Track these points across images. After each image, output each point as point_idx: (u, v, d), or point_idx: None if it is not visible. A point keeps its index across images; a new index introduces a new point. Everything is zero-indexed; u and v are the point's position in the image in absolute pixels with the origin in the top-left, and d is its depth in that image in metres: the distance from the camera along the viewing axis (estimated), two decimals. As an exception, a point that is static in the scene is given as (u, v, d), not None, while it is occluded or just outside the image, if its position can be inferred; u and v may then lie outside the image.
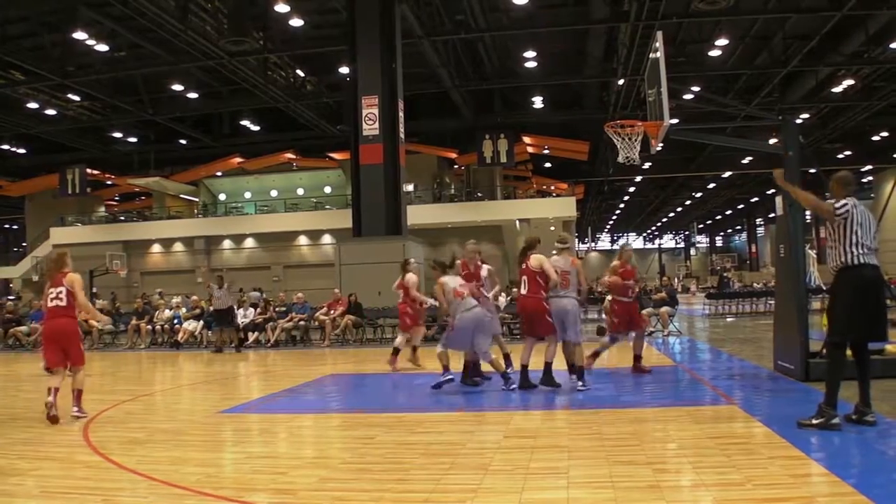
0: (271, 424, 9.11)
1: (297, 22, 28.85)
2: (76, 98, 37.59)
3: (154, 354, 20.89)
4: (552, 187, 51.56)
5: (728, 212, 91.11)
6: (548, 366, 10.59)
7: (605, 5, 28.02)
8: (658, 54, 11.08)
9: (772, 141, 24.09)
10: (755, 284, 33.22)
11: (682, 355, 16.02)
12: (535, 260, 10.62)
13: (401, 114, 26.09)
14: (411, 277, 14.58)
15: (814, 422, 7.11)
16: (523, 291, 10.77)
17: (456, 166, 49.55)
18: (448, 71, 33.45)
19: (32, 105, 37.86)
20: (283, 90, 35.45)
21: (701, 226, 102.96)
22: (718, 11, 26.17)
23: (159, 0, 25.92)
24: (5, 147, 46.85)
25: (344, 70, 31.19)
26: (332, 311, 22.06)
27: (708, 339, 19.59)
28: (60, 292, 9.41)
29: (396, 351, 14.30)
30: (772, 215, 67.43)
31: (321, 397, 11.42)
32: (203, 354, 17.28)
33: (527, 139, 42.97)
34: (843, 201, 7.29)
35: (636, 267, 13.33)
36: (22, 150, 47.89)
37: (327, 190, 50.48)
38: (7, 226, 70.76)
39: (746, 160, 52.57)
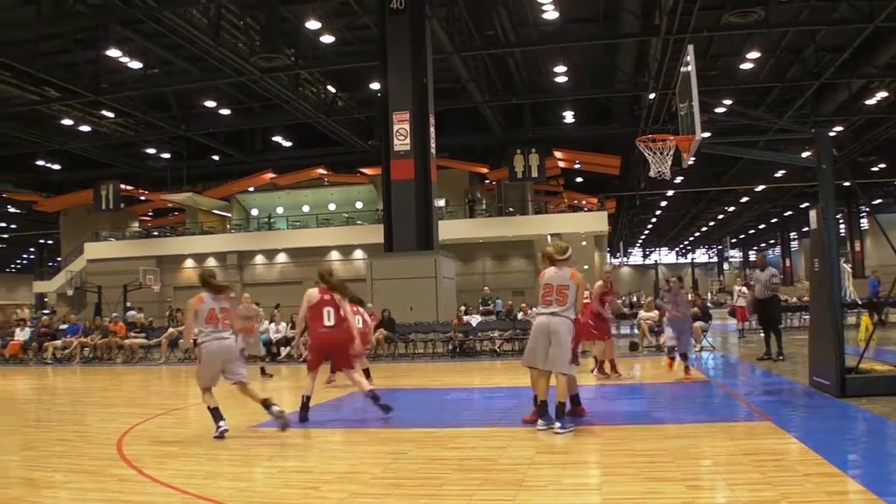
0: (303, 439, 9.12)
1: (328, 38, 29.01)
2: (110, 114, 37.93)
3: (188, 369, 20.98)
4: (583, 202, 51.42)
5: (761, 226, 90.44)
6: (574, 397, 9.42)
7: (636, 19, 27.94)
8: (689, 68, 11.03)
9: (805, 154, 23.95)
10: (790, 299, 32.80)
11: (715, 371, 15.91)
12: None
13: (432, 129, 26.12)
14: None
15: None
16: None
17: (487, 181, 49.51)
18: (478, 86, 33.50)
19: (67, 121, 38.27)
20: (314, 106, 35.61)
21: (734, 240, 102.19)
22: (749, 24, 25.98)
23: (191, 17, 26.18)
24: (40, 163, 47.40)
25: (375, 86, 31.31)
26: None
27: (742, 354, 19.42)
28: None
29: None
30: (806, 229, 66.87)
31: (353, 412, 11.42)
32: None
33: (558, 154, 42.87)
34: None
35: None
36: (56, 166, 48.41)
37: (359, 205, 50.57)
38: (42, 241, 71.45)
39: (779, 173, 52.22)
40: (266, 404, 9.17)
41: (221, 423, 8.90)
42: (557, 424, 8.37)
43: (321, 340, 10.00)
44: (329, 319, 9.98)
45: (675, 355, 13.80)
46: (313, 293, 10.02)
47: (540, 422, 8.52)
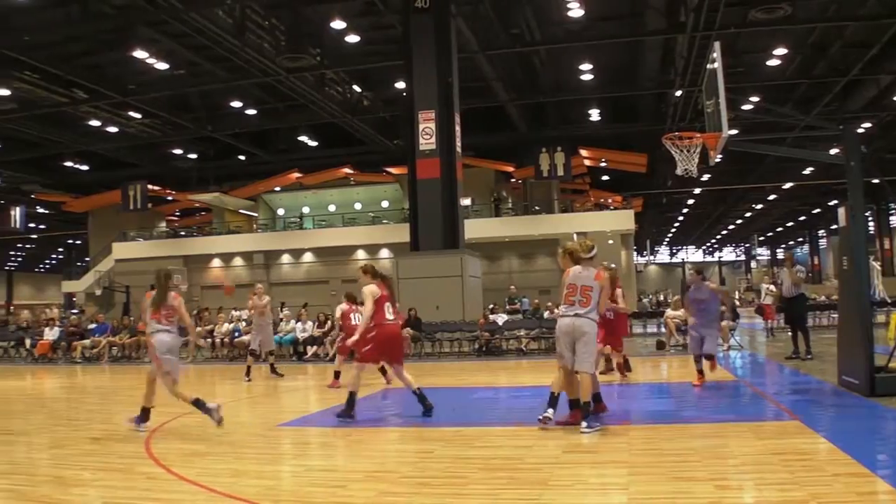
0: (330, 438, 9.15)
1: (353, 38, 29.02)
2: (137, 115, 38.16)
3: (214, 368, 21.09)
4: (610, 200, 51.21)
5: (789, 223, 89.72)
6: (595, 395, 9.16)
7: (662, 17, 27.79)
8: (716, 65, 10.99)
9: (833, 151, 23.76)
10: (818, 297, 32.61)
11: (743, 370, 15.83)
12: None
13: (457, 128, 26.12)
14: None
15: None
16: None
17: (513, 180, 49.42)
18: (504, 84, 33.45)
19: (94, 122, 38.53)
20: (339, 105, 35.67)
21: (762, 238, 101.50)
22: (775, 21, 25.78)
23: (217, 18, 26.29)
24: (68, 164, 47.71)
25: (400, 85, 31.35)
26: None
27: (770, 353, 19.30)
28: None
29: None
30: (834, 227, 66.35)
31: (379, 411, 11.44)
32: (262, 368, 17.39)
33: (584, 152, 42.74)
34: None
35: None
36: (84, 167, 48.73)
37: (384, 204, 50.60)
38: (70, 241, 72.03)
39: (807, 171, 51.80)
40: (198, 403, 9.41)
41: (212, 405, 9.34)
42: (584, 424, 8.34)
43: (387, 333, 10.05)
44: (390, 313, 10.14)
45: (703, 355, 12.37)
46: (375, 289, 10.06)
47: (584, 424, 8.39)
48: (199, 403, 9.24)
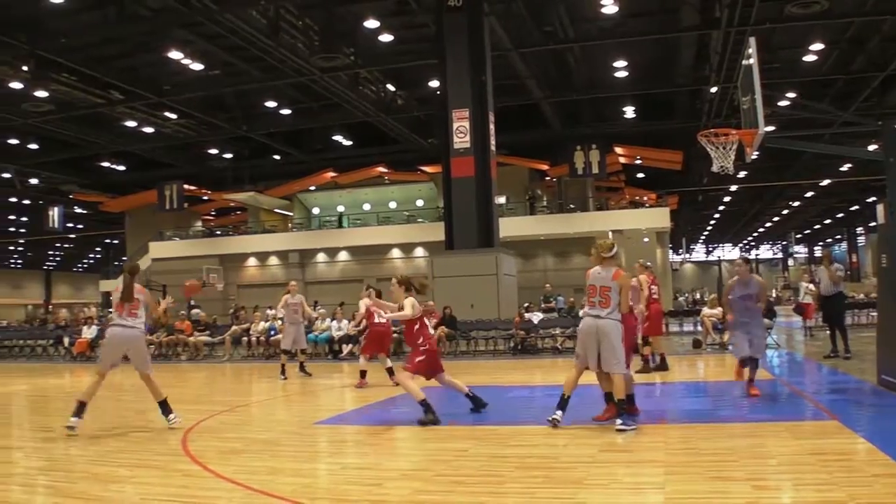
0: (365, 436, 9.18)
1: (386, 37, 29.07)
2: (172, 115, 38.46)
3: (251, 366, 21.21)
4: (645, 198, 50.93)
5: (827, 221, 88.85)
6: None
7: (696, 12, 27.60)
8: (751, 61, 10.91)
9: (871, 147, 23.54)
10: (856, 296, 32.27)
11: (780, 369, 15.69)
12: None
13: (492, 126, 26.11)
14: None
15: None
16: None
17: (547, 178, 49.28)
18: (537, 82, 33.38)
19: (130, 123, 38.91)
20: (373, 104, 35.75)
21: (799, 235, 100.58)
22: (812, 15, 25.50)
23: (251, 18, 26.44)
24: (105, 164, 48.20)
25: (434, 83, 31.38)
26: (425, 324, 22.04)
27: (808, 352, 19.13)
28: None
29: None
30: (873, 224, 65.65)
31: (415, 409, 11.44)
32: (296, 366, 17.47)
33: (619, 149, 42.51)
34: None
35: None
36: (121, 167, 49.18)
37: (419, 203, 50.65)
38: (108, 241, 72.72)
39: (845, 167, 51.27)
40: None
41: (74, 420, 9.22)
42: (619, 421, 8.30)
43: (432, 349, 10.03)
44: (431, 327, 10.31)
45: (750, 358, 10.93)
46: (417, 304, 10.02)
47: (618, 421, 8.35)
48: (81, 406, 9.29)
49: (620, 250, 9.28)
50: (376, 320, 14.31)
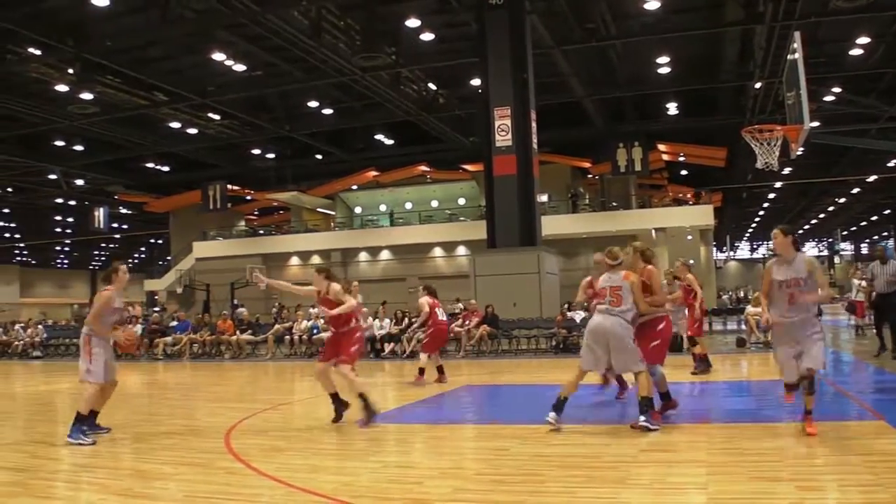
0: (407, 434, 9.18)
1: (427, 36, 29.09)
2: (215, 116, 38.82)
3: (294, 365, 21.32)
4: (688, 195, 50.54)
5: (874, 217, 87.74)
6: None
7: (740, 7, 27.32)
8: (796, 55, 10.79)
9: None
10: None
11: (826, 368, 15.46)
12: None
13: (533, 124, 26.04)
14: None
15: None
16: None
17: (590, 175, 49.07)
18: (579, 80, 33.23)
19: (174, 124, 39.41)
20: (414, 103, 35.83)
21: (845, 233, 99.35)
22: (858, 8, 25.14)
23: (293, 19, 26.59)
24: (150, 165, 48.76)
25: (475, 82, 31.35)
26: (466, 322, 22.05)
27: (855, 351, 18.86)
28: None
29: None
30: (921, 220, 64.64)
31: (456, 408, 11.44)
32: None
33: (661, 147, 42.23)
34: None
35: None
36: (165, 168, 49.73)
37: (461, 201, 50.68)
38: (152, 241, 73.57)
39: (892, 163, 50.54)
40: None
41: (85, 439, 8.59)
42: (641, 418, 8.21)
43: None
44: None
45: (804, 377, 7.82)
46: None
47: (641, 418, 8.23)
48: (79, 417, 8.74)
49: (636, 256, 9.16)
50: (440, 318, 14.31)
